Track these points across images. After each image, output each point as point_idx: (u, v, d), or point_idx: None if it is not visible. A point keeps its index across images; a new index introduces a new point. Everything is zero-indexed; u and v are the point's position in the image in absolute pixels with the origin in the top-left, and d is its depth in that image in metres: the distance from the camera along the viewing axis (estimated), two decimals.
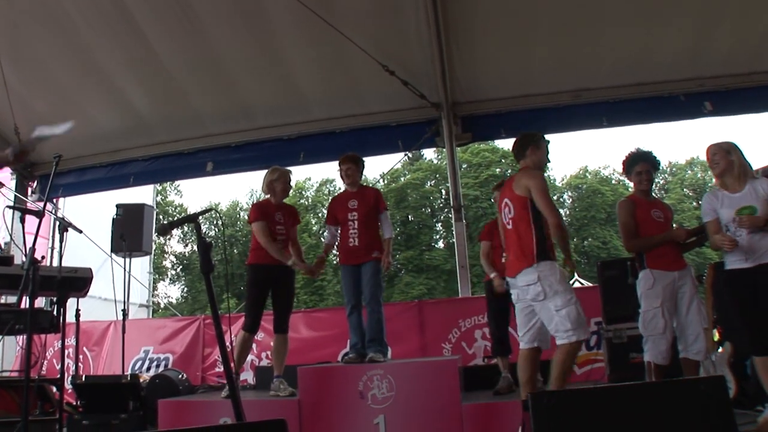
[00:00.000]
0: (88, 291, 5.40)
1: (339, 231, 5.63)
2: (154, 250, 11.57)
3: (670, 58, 7.02)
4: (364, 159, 5.83)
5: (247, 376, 7.08)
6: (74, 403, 6.22)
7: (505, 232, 4.46)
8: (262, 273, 5.42)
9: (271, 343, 5.78)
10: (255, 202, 6.31)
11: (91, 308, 7.94)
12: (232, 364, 2.91)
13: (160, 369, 7.44)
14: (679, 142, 59.14)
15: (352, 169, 5.64)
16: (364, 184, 5.98)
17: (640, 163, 4.80)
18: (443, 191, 38.54)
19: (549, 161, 4.63)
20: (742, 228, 4.14)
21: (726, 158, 4.35)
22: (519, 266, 4.21)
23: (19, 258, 5.54)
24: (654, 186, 4.98)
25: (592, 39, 6.89)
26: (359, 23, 6.65)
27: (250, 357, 6.80)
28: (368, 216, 5.50)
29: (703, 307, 4.50)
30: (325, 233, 5.81)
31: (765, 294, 4.06)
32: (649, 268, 4.60)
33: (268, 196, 5.61)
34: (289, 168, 5.73)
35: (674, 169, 41.94)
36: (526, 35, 6.91)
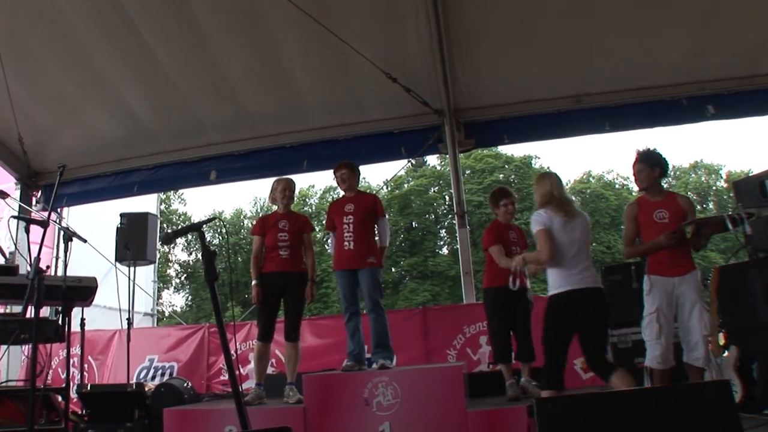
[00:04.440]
0: (92, 300, 5.40)
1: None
2: (159, 259, 11.59)
3: (671, 62, 7.02)
4: (367, 166, 5.89)
5: (251, 384, 7.07)
6: (80, 412, 6.22)
7: None
8: (267, 280, 5.53)
9: (277, 351, 5.81)
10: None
11: (96, 317, 7.97)
12: (237, 372, 2.92)
13: (165, 378, 7.43)
14: (683, 145, 59.09)
15: (347, 174, 5.72)
16: (366, 191, 6.03)
17: (636, 164, 4.78)
18: (447, 197, 38.56)
19: None
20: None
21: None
22: None
23: (24, 268, 5.56)
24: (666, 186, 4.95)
25: (593, 44, 6.88)
26: (361, 31, 6.67)
27: None
28: (364, 220, 5.55)
29: (705, 313, 4.39)
30: (329, 240, 5.87)
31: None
32: (648, 273, 4.60)
33: (275, 207, 5.80)
34: (290, 176, 5.90)
35: (678, 172, 41.88)
36: (527, 41, 6.91)
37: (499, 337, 5.51)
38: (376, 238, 5.72)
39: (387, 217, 5.74)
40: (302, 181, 43.39)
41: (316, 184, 42.79)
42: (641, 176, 4.71)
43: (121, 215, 8.02)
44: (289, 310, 5.54)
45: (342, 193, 5.93)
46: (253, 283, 5.55)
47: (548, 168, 40.97)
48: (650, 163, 4.70)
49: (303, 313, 5.67)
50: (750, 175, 6.44)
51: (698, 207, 37.35)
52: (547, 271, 4.20)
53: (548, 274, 4.17)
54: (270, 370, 7.09)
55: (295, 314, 5.53)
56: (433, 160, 39.90)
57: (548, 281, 4.16)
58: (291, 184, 5.80)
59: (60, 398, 5.53)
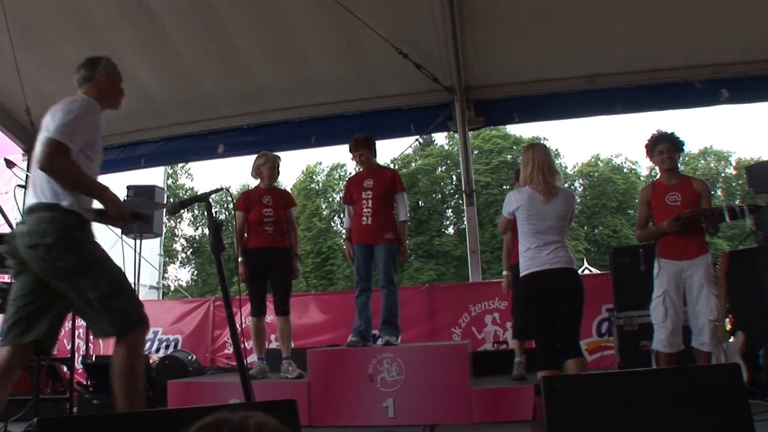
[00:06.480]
0: None
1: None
2: (165, 233, 11.59)
3: (686, 44, 6.91)
4: (376, 142, 5.81)
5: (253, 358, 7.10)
6: (85, 383, 6.26)
7: None
8: (253, 256, 5.55)
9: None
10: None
11: None
12: (242, 346, 2.91)
13: (170, 350, 7.47)
14: (692, 131, 58.48)
15: (366, 155, 5.64)
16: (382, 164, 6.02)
17: (662, 143, 4.73)
18: (454, 177, 38.49)
19: None
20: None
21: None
22: None
23: None
24: None
25: (607, 23, 6.77)
26: (372, 5, 6.57)
27: None
28: (383, 195, 5.51)
29: (713, 298, 4.39)
30: (344, 217, 5.87)
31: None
32: (658, 256, 4.61)
33: (258, 182, 5.79)
34: (277, 153, 5.94)
35: (687, 158, 41.62)
36: (541, 19, 6.81)
37: (520, 312, 5.45)
38: (395, 212, 5.66)
39: (405, 192, 5.66)
40: (310, 157, 43.27)
41: (323, 160, 42.69)
42: (671, 155, 4.69)
43: (128, 187, 7.98)
44: (278, 285, 5.57)
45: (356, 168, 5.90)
46: (240, 260, 5.57)
47: (557, 150, 40.87)
48: (677, 145, 4.72)
49: (291, 287, 5.69)
50: (762, 160, 6.37)
51: None
52: (519, 252, 4.13)
53: (519, 256, 4.09)
54: (275, 345, 7.13)
55: (284, 289, 5.56)
56: (441, 139, 39.83)
57: (519, 263, 4.09)
58: (278, 161, 5.82)
59: (65, 368, 5.56)
